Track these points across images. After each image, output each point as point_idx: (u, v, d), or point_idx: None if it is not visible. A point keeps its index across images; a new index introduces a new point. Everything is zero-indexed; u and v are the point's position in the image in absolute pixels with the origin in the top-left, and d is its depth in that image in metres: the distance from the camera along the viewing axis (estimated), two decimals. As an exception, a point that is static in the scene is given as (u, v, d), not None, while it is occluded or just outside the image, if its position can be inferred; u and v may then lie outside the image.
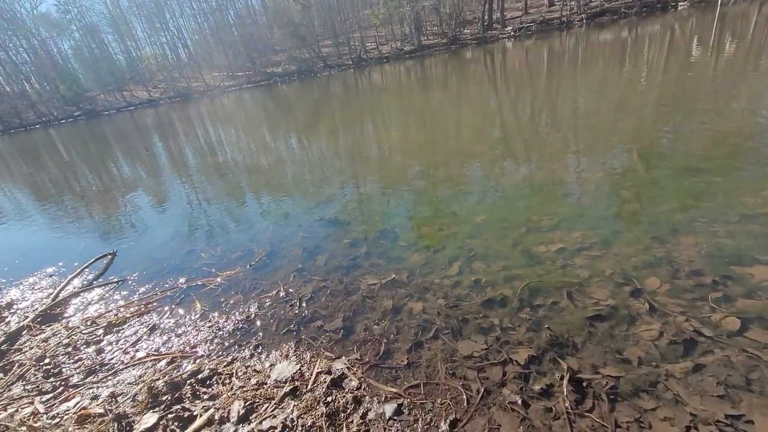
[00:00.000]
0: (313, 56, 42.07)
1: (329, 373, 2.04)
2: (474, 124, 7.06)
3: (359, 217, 3.89)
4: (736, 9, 19.22)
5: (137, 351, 2.50)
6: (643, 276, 2.30)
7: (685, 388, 1.63)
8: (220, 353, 2.35)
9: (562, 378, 1.76)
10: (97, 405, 2.07)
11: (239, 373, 2.14)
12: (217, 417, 1.88)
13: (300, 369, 2.11)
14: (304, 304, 2.66)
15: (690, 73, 7.80)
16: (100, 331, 2.77)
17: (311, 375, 2.05)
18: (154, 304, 2.99)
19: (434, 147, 5.88)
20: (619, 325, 2.01)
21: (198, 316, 2.75)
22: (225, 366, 2.22)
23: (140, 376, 2.26)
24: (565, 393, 1.69)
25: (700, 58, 9.45)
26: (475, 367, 1.93)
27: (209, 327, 2.60)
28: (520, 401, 1.70)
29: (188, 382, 2.14)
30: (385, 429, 1.70)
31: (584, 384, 1.73)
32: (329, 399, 1.87)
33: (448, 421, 1.67)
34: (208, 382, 2.12)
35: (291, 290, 2.85)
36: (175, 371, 2.24)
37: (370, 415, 1.77)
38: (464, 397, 1.77)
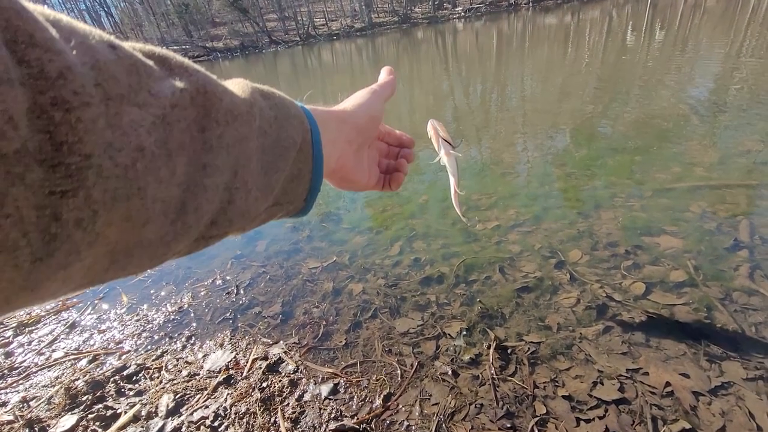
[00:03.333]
0: (258, 31, 39.98)
1: (266, 358, 2.04)
2: (426, 106, 7.14)
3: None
4: (666, -2, 20.79)
5: (54, 351, 2.34)
6: (567, 249, 2.50)
7: (595, 348, 1.82)
8: (148, 347, 2.25)
9: (489, 347, 1.88)
10: (5, 412, 1.92)
11: (169, 366, 2.08)
12: (144, 412, 1.82)
13: (235, 357, 2.08)
14: (241, 291, 2.61)
15: (624, 56, 8.38)
16: (9, 333, 2.54)
17: (247, 362, 2.03)
18: (74, 299, 2.79)
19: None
20: (543, 295, 2.18)
21: (124, 310, 2.61)
22: (154, 360, 2.14)
23: (57, 378, 2.12)
24: (491, 360, 1.81)
25: (634, 43, 10.17)
26: (410, 342, 2.01)
27: (137, 321, 2.48)
28: (450, 371, 1.80)
29: (112, 379, 2.04)
30: (320, 409, 1.73)
31: (509, 351, 1.87)
32: (264, 384, 1.88)
33: (382, 395, 1.74)
34: (134, 378, 2.03)
35: (228, 277, 2.78)
36: (97, 369, 2.13)
37: (306, 397, 1.80)
38: (398, 372, 1.85)
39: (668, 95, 5.21)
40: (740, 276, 2.09)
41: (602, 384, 1.66)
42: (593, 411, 1.56)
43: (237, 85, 0.35)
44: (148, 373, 2.06)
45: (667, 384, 1.61)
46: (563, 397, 1.63)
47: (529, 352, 1.84)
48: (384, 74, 0.60)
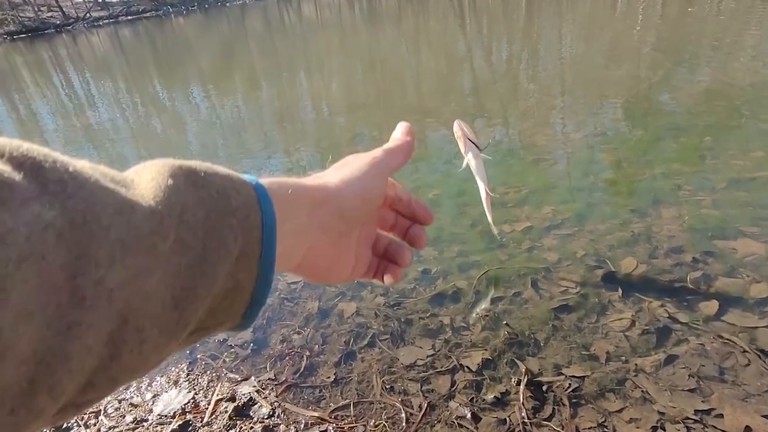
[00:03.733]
0: (222, -22, 40.00)
1: (233, 399, 2.04)
2: (437, 73, 7.15)
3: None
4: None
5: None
6: (618, 256, 2.51)
7: (655, 384, 1.82)
8: (82, 385, 2.26)
9: (519, 383, 1.89)
10: None
11: (109, 410, 2.08)
12: (77, 469, 1.83)
13: (194, 397, 2.09)
14: (201, 314, 2.62)
15: (691, 8, 8.38)
16: None
17: (209, 404, 2.04)
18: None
19: (385, 103, 5.90)
20: (588, 315, 2.19)
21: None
22: (90, 402, 2.14)
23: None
24: (521, 400, 1.82)
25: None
26: (418, 378, 2.01)
27: (68, 351, 2.49)
28: (469, 414, 1.81)
29: (36, 426, 2.04)
30: (303, 463, 1.74)
31: (544, 388, 1.87)
32: (232, 432, 1.88)
33: (382, 446, 1.75)
34: (63, 427, 2.04)
35: (184, 296, 2.79)
36: (17, 414, 2.13)
37: (285, 448, 1.81)
38: (403, 415, 1.85)
39: (748, 58, 5.22)
40: (840, 290, 2.10)
41: (664, 429, 1.66)
42: (652, 464, 1.57)
43: (151, 178, 0.32)
44: (81, 420, 2.06)
45: (747, 428, 1.62)
46: (614, 446, 1.63)
47: (569, 390, 1.85)
48: (399, 132, 0.57)
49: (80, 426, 2.03)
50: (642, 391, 1.81)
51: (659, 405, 1.75)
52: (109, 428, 1.99)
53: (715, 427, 1.65)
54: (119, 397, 2.15)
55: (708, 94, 4.39)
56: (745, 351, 1.88)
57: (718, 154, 3.33)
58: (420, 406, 1.88)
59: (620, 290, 2.28)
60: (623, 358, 1.96)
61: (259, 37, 15.38)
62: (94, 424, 2.03)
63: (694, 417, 1.69)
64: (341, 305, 2.51)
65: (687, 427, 1.66)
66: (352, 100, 6.36)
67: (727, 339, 1.95)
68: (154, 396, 2.13)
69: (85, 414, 2.08)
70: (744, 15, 7.26)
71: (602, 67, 5.82)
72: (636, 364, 1.91)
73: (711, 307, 2.12)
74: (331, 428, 1.85)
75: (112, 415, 2.06)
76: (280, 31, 16.27)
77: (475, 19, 12.09)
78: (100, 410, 2.09)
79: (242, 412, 1.98)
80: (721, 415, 1.68)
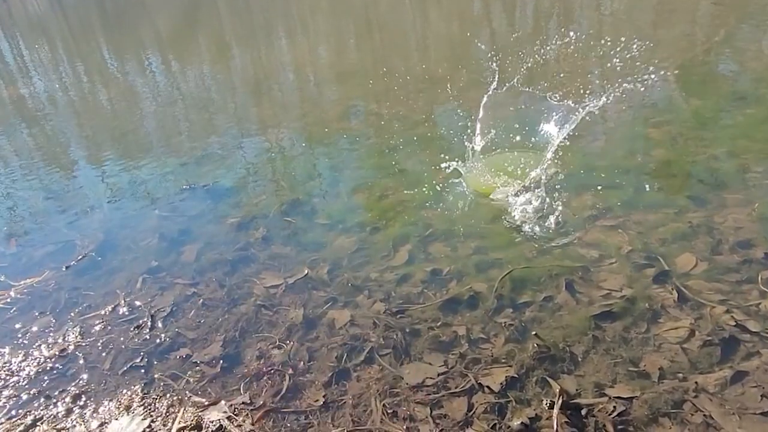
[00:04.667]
0: None
1: (198, 428, 2.02)
2: (449, 37, 7.11)
3: (256, 183, 3.82)
4: None
5: None
6: (672, 253, 2.49)
7: (720, 407, 1.80)
8: (11, 412, 2.23)
9: (552, 406, 1.86)
10: None
11: (46, 442, 2.06)
12: None
13: (150, 426, 2.06)
14: (159, 325, 2.60)
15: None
16: None
17: (169, 434, 2.01)
18: None
19: (385, 71, 5.86)
20: (636, 324, 2.16)
21: (-25, 354, 2.59)
22: (21, 432, 2.12)
23: None
24: (555, 428, 1.79)
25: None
26: (427, 401, 1.99)
27: (-6, 371, 2.46)
28: (491, 445, 1.79)
29: (-45, 462, 2.01)
30: (285, 505, 1.72)
31: (584, 412, 1.85)
32: (197, 468, 1.86)
33: (383, 484, 1.72)
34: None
35: (138, 303, 2.77)
36: (-69, 448, 2.10)
37: (263, 487, 1.78)
38: (409, 446, 1.83)
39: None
40: None
41: (731, 462, 1.64)
42: (718, 504, 1.54)
43: None
44: (12, 453, 2.03)
45: (835, 461, 1.59)
46: (670, 483, 1.61)
47: (614, 414, 1.83)
48: None
49: (10, 461, 2.01)
50: (704, 415, 1.78)
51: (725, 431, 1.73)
52: (46, 464, 1.97)
53: (795, 459, 1.62)
54: (58, 426, 2.13)
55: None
56: (830, 366, 1.86)
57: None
58: (430, 435, 1.86)
59: (676, 294, 2.26)
60: (680, 375, 1.93)
61: (230, -7, 15.32)
62: (27, 459, 2.00)
63: (768, 446, 1.67)
64: (332, 313, 2.49)
65: (760, 458, 1.64)
66: (344, 67, 6.34)
67: (809, 351, 1.93)
68: (101, 424, 2.11)
69: (16, 446, 2.06)
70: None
71: (650, 24, 5.79)
72: (696, 383, 1.89)
73: (788, 313, 2.09)
74: (319, 462, 1.83)
75: (49, 447, 2.04)
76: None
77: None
78: (35, 442, 2.06)
79: (210, 443, 1.96)
80: (801, 444, 1.66)
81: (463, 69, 5.44)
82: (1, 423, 2.19)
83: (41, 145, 5.28)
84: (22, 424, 2.17)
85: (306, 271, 2.77)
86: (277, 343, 2.37)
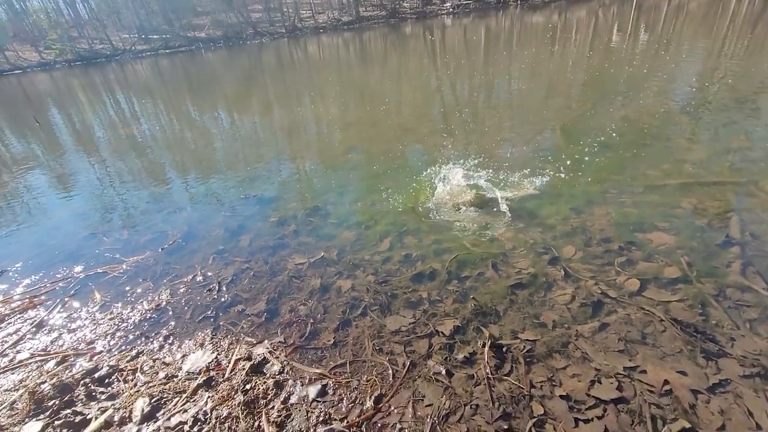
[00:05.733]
0: (242, 21, 39.12)
1: (249, 359, 1.94)
2: (413, 101, 7.07)
3: (289, 195, 3.72)
4: (649, 0, 21.17)
5: (19, 352, 2.18)
6: (560, 245, 2.47)
7: (592, 346, 1.78)
8: (122, 347, 2.12)
9: (483, 345, 1.83)
10: (-38, 419, 1.77)
11: (145, 368, 1.95)
12: (117, 418, 1.70)
13: (216, 357, 1.97)
14: (224, 288, 2.50)
15: (611, 56, 8.47)
16: (-31, 333, 2.36)
17: (229, 363, 1.93)
18: (42, 297, 2.62)
19: (373, 123, 5.79)
20: (537, 292, 2.14)
21: (97, 308, 2.46)
22: (128, 361, 2.01)
23: (21, 381, 1.97)
24: (486, 359, 1.76)
25: (619, 43, 10.29)
26: (402, 341, 1.94)
27: (111, 320, 2.34)
28: (444, 371, 1.74)
29: (82, 382, 1.90)
30: (308, 412, 1.65)
31: (504, 349, 1.82)
32: (248, 387, 1.78)
33: (373, 397, 1.67)
34: (107, 381, 1.91)
35: (210, 274, 2.66)
36: (66, 372, 1.99)
37: (293, 399, 1.71)
38: (390, 372, 1.78)
39: (655, 93, 5.27)
40: (733, 272, 2.09)
41: (600, 383, 1.62)
42: (592, 411, 1.52)
43: None
44: (121, 375, 1.93)
45: (666, 382, 1.59)
46: (561, 396, 1.58)
47: (524, 351, 1.80)
48: None
49: (120, 381, 1.90)
50: (582, 352, 1.76)
51: (596, 363, 1.71)
52: (145, 383, 1.87)
53: (641, 381, 1.61)
54: (154, 357, 2.02)
55: (626, 120, 4.40)
56: (661, 320, 1.86)
57: (636, 166, 3.33)
58: (404, 364, 1.81)
59: (563, 272, 2.24)
60: (566, 325, 1.91)
61: (273, 71, 15.08)
62: (132, 380, 1.90)
63: (623, 373, 1.65)
64: (339, 282, 2.42)
65: (618, 380, 1.62)
66: (346, 120, 6.23)
67: (648, 310, 1.92)
68: (183, 356, 2.01)
69: (125, 370, 1.95)
70: (652, 61, 7.36)
71: (543, 98, 5.82)
72: (576, 330, 1.87)
73: (634, 284, 2.09)
74: (330, 383, 1.77)
75: (147, 372, 1.94)
76: (290, 65, 15.96)
77: (444, 59, 12.02)
78: (137, 368, 1.96)
79: (257, 369, 1.88)
80: (644, 371, 1.65)
81: (423, 122, 5.40)
82: (115, 355, 2.08)
83: (146, 167, 5.09)
84: (128, 355, 2.07)
85: (322, 254, 2.70)
86: (303, 301, 2.29)
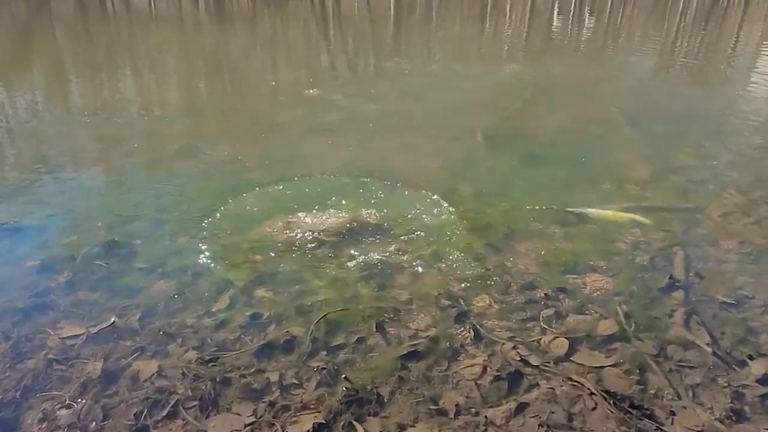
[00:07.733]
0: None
1: None
2: (297, 81, 7.11)
3: (74, 222, 3.36)
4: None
5: None
6: (471, 294, 2.60)
7: (505, 438, 1.85)
8: None
9: (355, 451, 1.78)
10: None
11: None
12: None
13: None
14: None
15: (550, 44, 9.63)
16: None
17: None
18: None
19: (228, 112, 5.65)
20: (438, 363, 2.19)
21: None
22: None
23: None
24: (356, 473, 1.71)
25: (561, 28, 11.79)
26: (231, 455, 1.80)
27: None
28: (292, 499, 1.64)
29: None
30: None
31: (385, 454, 1.79)
32: None
33: None
34: None
35: None
36: None
37: None
38: None
39: (598, 94, 6.08)
40: (675, 324, 2.40)
41: (511, 491, 1.67)
42: None
43: None
44: None
45: (594, 480, 1.70)
46: None
47: (414, 454, 1.79)
48: None
49: None
50: (479, 448, 1.82)
51: (508, 462, 1.77)
52: None
53: (562, 482, 1.70)
54: None
55: (562, 127, 4.97)
56: (592, 393, 2.02)
57: (571, 185, 3.73)
58: (229, 495, 1.66)
59: (473, 332, 2.34)
60: (473, 410, 1.97)
61: (70, 25, 14.02)
62: None
63: (542, 472, 1.73)
64: (137, 364, 2.19)
65: (534, 484, 1.69)
66: (185, 105, 6.01)
67: (576, 381, 2.08)
68: None
69: None
70: (597, 54, 8.52)
71: (465, 91, 6.30)
72: (486, 417, 1.93)
73: (561, 346, 2.26)
74: None
75: None
76: (100, 20, 15.02)
77: (339, 30, 12.46)
78: None
79: None
80: (569, 468, 1.75)
81: (299, 115, 5.44)
82: None
83: None
84: None
85: (113, 319, 2.43)
86: (67, 402, 2.01)
